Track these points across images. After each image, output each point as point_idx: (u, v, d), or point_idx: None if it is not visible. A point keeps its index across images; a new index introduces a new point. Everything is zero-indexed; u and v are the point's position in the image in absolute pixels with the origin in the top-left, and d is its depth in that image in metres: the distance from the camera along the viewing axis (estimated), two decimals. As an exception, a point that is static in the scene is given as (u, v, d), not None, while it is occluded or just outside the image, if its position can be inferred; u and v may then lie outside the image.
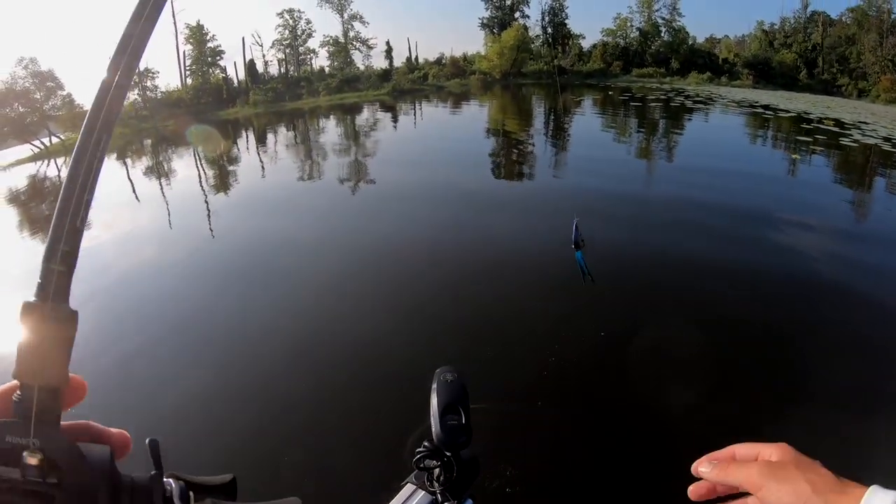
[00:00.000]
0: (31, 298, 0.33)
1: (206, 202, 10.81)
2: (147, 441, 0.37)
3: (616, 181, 10.17)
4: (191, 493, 0.39)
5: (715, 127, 19.06)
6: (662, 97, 26.48)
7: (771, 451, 0.59)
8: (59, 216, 0.33)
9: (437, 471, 0.94)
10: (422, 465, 0.94)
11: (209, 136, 23.90)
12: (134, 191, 12.92)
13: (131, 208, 10.84)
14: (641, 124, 18.50)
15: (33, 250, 7.60)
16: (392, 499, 0.94)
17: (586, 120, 20.00)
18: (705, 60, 39.46)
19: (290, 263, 6.20)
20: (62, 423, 0.34)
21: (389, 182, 11.04)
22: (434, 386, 0.95)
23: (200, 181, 13.53)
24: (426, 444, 0.93)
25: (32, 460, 0.29)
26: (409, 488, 0.96)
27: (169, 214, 10.19)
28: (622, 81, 35.58)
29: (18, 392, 0.33)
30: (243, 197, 11.22)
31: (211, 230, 8.55)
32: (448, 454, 0.92)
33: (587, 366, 3.83)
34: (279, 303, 5.15)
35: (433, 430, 0.90)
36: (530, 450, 2.91)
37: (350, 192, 10.74)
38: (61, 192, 0.33)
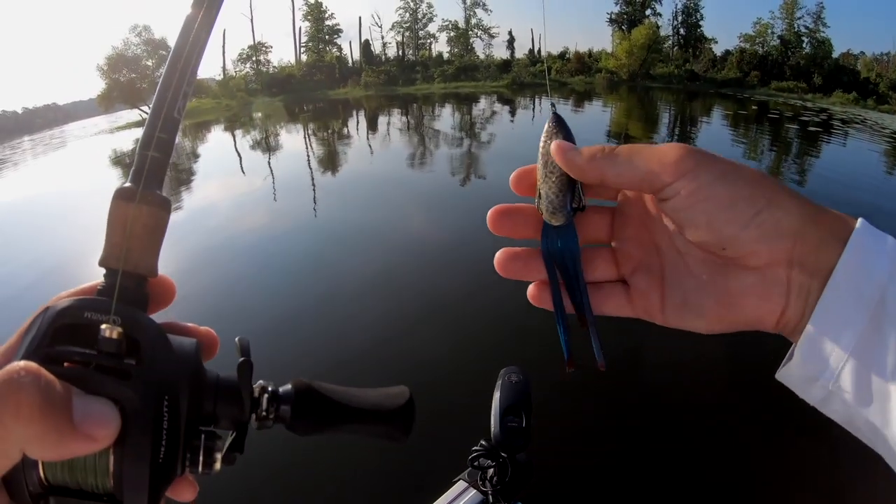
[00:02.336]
0: (126, 184, 0.30)
1: (313, 181, 10.03)
2: (237, 339, 0.34)
3: None
4: (280, 388, 0.35)
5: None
6: (818, 120, 20.26)
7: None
8: (157, 104, 0.31)
9: (490, 471, 0.95)
10: (476, 464, 0.95)
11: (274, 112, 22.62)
12: (241, 162, 12.45)
13: (233, 179, 10.56)
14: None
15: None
16: (444, 493, 0.96)
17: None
18: (850, 78, 33.67)
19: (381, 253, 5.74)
20: None
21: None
22: (498, 385, 0.96)
23: (308, 158, 12.46)
24: (483, 443, 0.94)
25: (111, 333, 0.27)
26: (461, 485, 0.98)
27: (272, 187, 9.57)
28: (760, 94, 30.80)
29: (103, 280, 0.31)
30: (344, 181, 10.39)
31: (314, 208, 8.09)
32: (504, 455, 0.93)
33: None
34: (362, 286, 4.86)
35: (492, 429, 0.91)
36: (589, 460, 2.66)
37: (458, 185, 9.36)
38: (160, 81, 0.32)
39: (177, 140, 0.32)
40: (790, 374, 0.33)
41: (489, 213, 0.36)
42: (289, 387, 0.35)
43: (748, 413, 2.99)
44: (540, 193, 0.35)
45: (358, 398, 0.36)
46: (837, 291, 0.30)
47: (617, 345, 3.41)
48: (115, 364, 0.27)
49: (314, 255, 5.79)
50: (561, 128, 0.35)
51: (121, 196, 0.30)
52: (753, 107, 23.05)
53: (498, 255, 0.37)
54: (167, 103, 0.32)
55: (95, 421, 0.25)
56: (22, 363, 0.23)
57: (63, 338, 0.27)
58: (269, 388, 0.34)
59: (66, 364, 0.27)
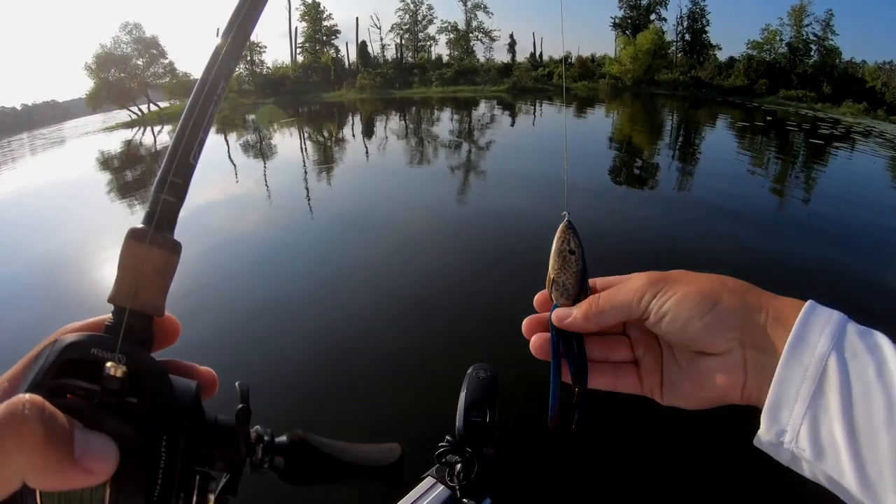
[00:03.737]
0: (139, 225, 0.32)
1: (306, 186, 9.91)
2: (237, 384, 0.36)
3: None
4: (276, 438, 0.38)
5: None
6: (837, 133, 19.82)
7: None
8: (173, 149, 0.33)
9: (458, 466, 0.96)
10: (443, 460, 0.96)
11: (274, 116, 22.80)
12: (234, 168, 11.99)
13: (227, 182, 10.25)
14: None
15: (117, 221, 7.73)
16: (410, 490, 0.98)
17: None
18: (858, 88, 33.78)
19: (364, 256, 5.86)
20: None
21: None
22: (465, 381, 0.98)
23: (303, 162, 12.10)
24: (448, 438, 0.96)
25: (115, 371, 0.28)
26: (428, 481, 0.99)
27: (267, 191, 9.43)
28: (769, 103, 30.79)
29: (111, 316, 0.32)
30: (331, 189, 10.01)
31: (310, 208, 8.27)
32: (469, 450, 0.95)
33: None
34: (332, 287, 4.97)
35: (457, 424, 0.93)
36: (559, 455, 2.74)
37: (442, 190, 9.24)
38: (178, 126, 0.34)
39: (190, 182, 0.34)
40: (760, 441, 0.40)
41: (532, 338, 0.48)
42: (284, 438, 0.37)
43: (721, 412, 2.92)
44: (554, 280, 0.46)
45: (350, 454, 0.39)
46: (787, 367, 0.38)
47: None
48: (118, 401, 0.28)
49: (291, 256, 5.84)
50: (573, 234, 0.46)
51: (133, 237, 0.32)
52: (767, 118, 22.77)
53: (533, 341, 0.47)
54: (183, 148, 0.34)
55: (95, 456, 0.26)
56: (27, 396, 0.24)
57: (68, 372, 0.28)
58: (265, 438, 0.36)
59: (69, 397, 0.28)
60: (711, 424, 2.71)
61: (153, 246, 0.32)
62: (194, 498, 0.32)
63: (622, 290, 0.44)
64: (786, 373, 0.38)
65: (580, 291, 0.46)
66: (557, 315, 0.46)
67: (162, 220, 0.33)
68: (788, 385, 0.38)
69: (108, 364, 0.28)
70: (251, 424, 0.36)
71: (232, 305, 4.56)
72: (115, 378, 0.28)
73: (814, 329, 0.38)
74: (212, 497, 0.32)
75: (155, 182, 0.33)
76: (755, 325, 0.40)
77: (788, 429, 0.37)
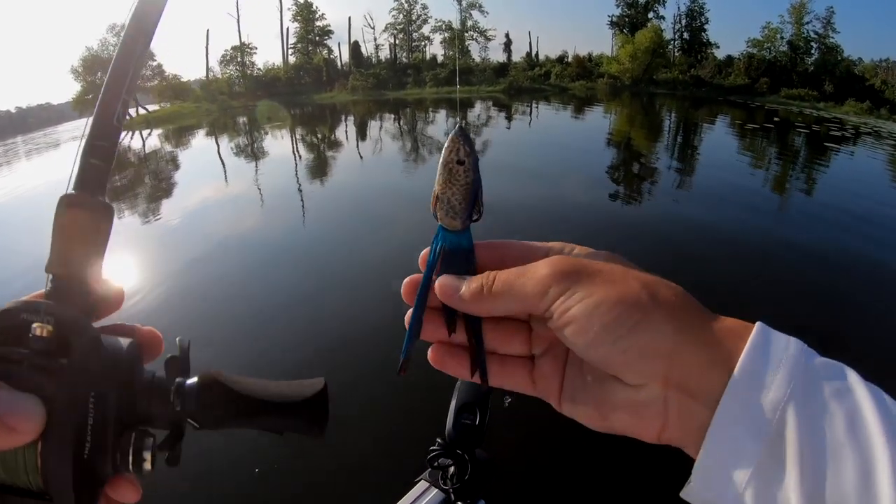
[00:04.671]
0: (70, 191, 0.33)
1: (300, 191, 9.72)
2: (178, 340, 0.35)
3: None
4: (187, 381, 0.35)
5: None
6: (849, 134, 19.75)
7: (563, 248, 0.39)
8: (99, 113, 0.33)
9: (451, 469, 0.97)
10: (436, 464, 0.98)
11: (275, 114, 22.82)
12: (224, 171, 12.09)
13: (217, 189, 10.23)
14: None
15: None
16: (405, 494, 0.98)
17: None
18: (861, 86, 33.90)
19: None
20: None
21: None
22: (458, 383, 0.99)
23: (295, 167, 12.01)
24: (439, 441, 0.98)
25: (41, 332, 0.28)
26: (422, 485, 1.00)
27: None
28: (771, 102, 30.92)
29: (47, 285, 0.32)
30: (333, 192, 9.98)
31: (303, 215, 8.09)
32: (461, 453, 0.96)
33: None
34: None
35: (447, 427, 0.95)
36: (553, 458, 2.77)
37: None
38: (102, 91, 0.34)
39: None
40: (692, 497, 0.33)
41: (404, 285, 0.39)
42: (195, 379, 0.35)
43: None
44: (439, 197, 0.38)
45: (267, 391, 0.37)
46: (727, 420, 0.30)
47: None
48: (45, 362, 0.29)
49: (285, 258, 5.88)
50: (464, 143, 0.38)
51: (64, 203, 0.32)
52: (775, 118, 22.42)
53: (406, 284, 0.39)
54: (107, 110, 0.34)
55: (18, 414, 0.26)
56: None
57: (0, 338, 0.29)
58: (176, 381, 0.35)
59: None
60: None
61: (82, 210, 0.32)
62: (130, 456, 0.31)
63: (524, 276, 0.35)
64: (724, 428, 0.30)
65: (470, 211, 0.38)
66: (443, 285, 0.37)
67: (90, 183, 0.33)
68: (728, 444, 0.30)
69: (35, 325, 0.29)
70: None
71: (232, 304, 4.60)
72: (41, 338, 0.29)
73: (765, 366, 0.30)
74: (148, 455, 0.32)
75: (82, 146, 0.33)
76: (686, 360, 0.31)
77: (729, 495, 0.30)
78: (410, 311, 0.38)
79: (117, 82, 0.34)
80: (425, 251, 0.39)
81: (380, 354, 3.60)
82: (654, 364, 0.31)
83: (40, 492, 0.29)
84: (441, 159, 0.38)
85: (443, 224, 0.39)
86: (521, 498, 2.50)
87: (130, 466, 0.31)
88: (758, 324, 0.32)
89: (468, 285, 0.36)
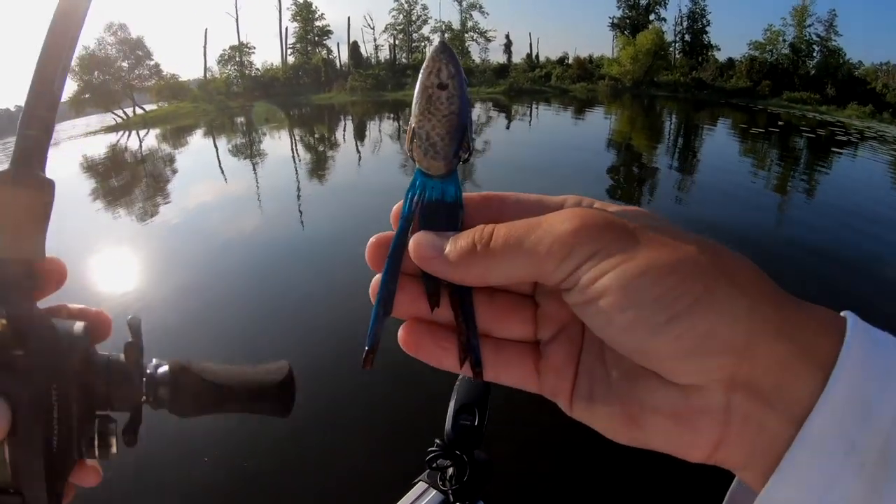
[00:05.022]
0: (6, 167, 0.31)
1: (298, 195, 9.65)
2: (128, 320, 0.34)
3: None
4: (158, 369, 0.35)
5: None
6: (854, 139, 19.34)
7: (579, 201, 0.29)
8: (36, 81, 0.31)
9: (450, 470, 0.98)
10: (434, 465, 0.98)
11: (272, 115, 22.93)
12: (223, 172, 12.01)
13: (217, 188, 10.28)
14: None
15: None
16: (403, 495, 0.99)
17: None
18: (863, 90, 33.90)
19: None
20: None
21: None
22: (457, 384, 1.00)
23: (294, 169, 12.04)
24: (438, 442, 0.98)
25: None
26: (420, 486, 1.01)
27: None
28: (773, 105, 30.95)
29: None
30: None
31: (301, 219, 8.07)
32: (460, 454, 0.96)
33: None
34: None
35: (445, 428, 0.96)
36: (553, 457, 2.79)
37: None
38: (38, 58, 0.31)
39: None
40: None
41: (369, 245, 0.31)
42: (166, 368, 0.35)
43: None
44: (416, 132, 0.30)
45: (235, 377, 0.37)
46: (815, 442, 0.22)
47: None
48: (2, 357, 0.28)
49: (282, 256, 5.92)
50: (447, 62, 0.29)
51: (5, 181, 0.30)
52: (779, 122, 22.00)
53: (371, 245, 0.31)
54: (44, 77, 0.31)
55: None
56: None
57: None
58: (147, 371, 0.34)
59: None
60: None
61: (21, 187, 0.30)
62: (96, 442, 0.31)
63: (536, 230, 0.26)
64: (810, 455, 0.22)
65: (456, 148, 0.29)
66: (420, 244, 0.28)
67: (28, 157, 0.31)
68: (811, 476, 0.22)
69: None
70: (149, 358, 0.35)
71: (226, 302, 4.62)
72: None
73: (870, 372, 0.22)
74: (113, 440, 0.32)
75: (20, 118, 0.31)
76: (761, 354, 0.23)
77: None
78: (376, 279, 0.30)
79: (57, 42, 0.31)
80: (398, 204, 0.30)
81: (378, 354, 3.60)
82: (720, 358, 0.23)
83: (6, 486, 0.28)
84: (418, 84, 0.30)
85: (421, 167, 0.30)
86: (520, 500, 2.49)
87: (96, 452, 0.31)
88: (849, 314, 0.24)
89: (455, 243, 0.27)
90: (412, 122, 0.30)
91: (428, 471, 1.02)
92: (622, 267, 0.24)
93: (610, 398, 0.27)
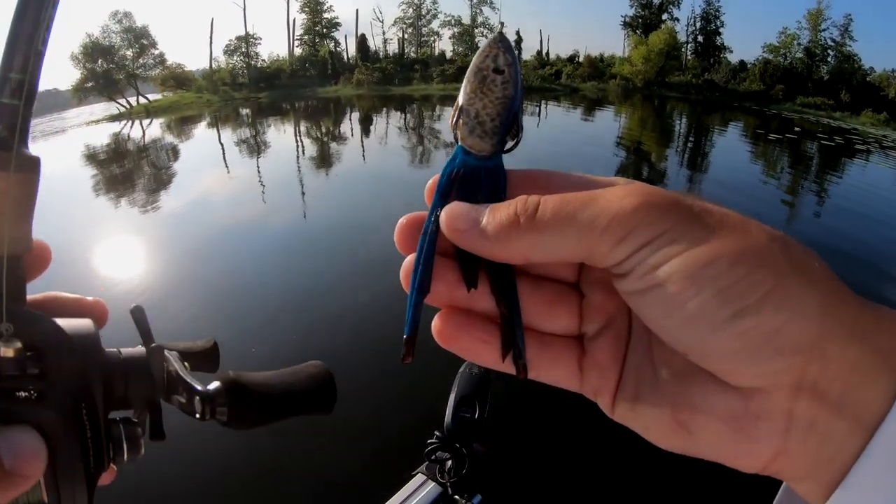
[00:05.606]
0: None
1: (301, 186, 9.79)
2: (131, 309, 0.33)
3: None
4: (186, 364, 0.34)
5: None
6: (874, 148, 18.88)
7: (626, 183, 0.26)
8: (14, 36, 0.26)
9: (448, 463, 0.99)
10: (433, 457, 0.99)
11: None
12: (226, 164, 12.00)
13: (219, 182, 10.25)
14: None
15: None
16: (401, 487, 1.00)
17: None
18: (877, 97, 33.56)
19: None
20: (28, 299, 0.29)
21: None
22: (458, 377, 1.02)
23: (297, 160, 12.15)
24: (438, 434, 0.99)
25: (8, 351, 0.25)
26: (419, 478, 1.02)
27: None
28: (787, 110, 30.72)
29: None
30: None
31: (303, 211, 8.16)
32: (459, 447, 0.97)
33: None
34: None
35: (445, 420, 0.97)
36: (553, 450, 2.83)
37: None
38: (16, 6, 0.26)
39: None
40: None
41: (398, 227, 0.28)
42: (218, 385, 0.33)
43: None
44: (464, 109, 0.28)
45: (282, 388, 0.37)
46: (887, 451, 0.21)
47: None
48: (21, 383, 0.26)
49: (290, 251, 5.98)
50: (507, 49, 0.28)
51: None
52: (796, 129, 21.52)
53: (401, 225, 0.28)
54: (25, 33, 0.26)
55: (26, 459, 0.24)
56: None
57: None
58: (199, 389, 0.32)
59: None
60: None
61: (10, 172, 0.26)
62: (125, 447, 0.30)
63: (591, 204, 0.23)
64: (883, 468, 0.21)
65: (505, 132, 0.28)
66: (453, 214, 0.26)
67: (12, 133, 0.26)
68: (884, 492, 0.21)
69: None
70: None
71: (226, 290, 4.70)
72: (10, 361, 0.25)
73: None
74: (142, 442, 0.31)
75: None
76: (832, 356, 0.21)
77: None
78: (408, 261, 0.27)
79: None
80: (434, 179, 0.28)
81: (377, 345, 3.70)
82: (788, 359, 0.21)
83: None
84: (471, 67, 0.29)
85: (464, 145, 0.29)
86: (519, 493, 2.51)
87: (125, 457, 0.30)
88: None
89: (494, 214, 0.25)
90: (460, 100, 0.29)
91: (427, 463, 1.03)
92: (689, 253, 0.22)
93: (657, 400, 0.25)
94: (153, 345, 0.32)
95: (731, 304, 0.21)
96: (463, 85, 0.29)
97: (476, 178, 0.28)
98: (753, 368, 0.21)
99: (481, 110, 0.28)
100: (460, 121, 0.28)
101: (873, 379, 0.21)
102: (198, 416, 0.32)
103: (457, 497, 0.98)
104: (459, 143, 0.29)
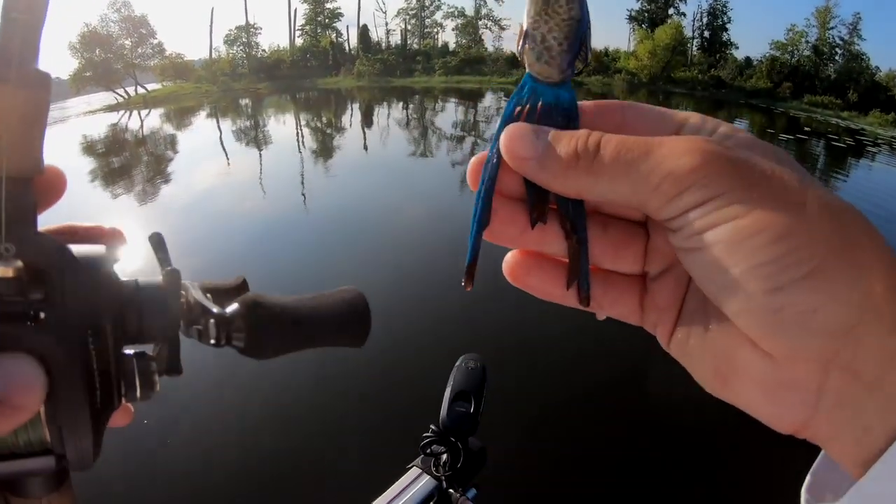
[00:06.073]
0: None
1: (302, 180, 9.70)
2: (149, 236, 0.31)
3: None
4: (208, 295, 0.32)
5: None
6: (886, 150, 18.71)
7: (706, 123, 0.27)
8: None
9: (444, 457, 1.00)
10: (428, 451, 1.01)
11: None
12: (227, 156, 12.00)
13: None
14: None
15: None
16: (396, 480, 1.01)
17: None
18: (885, 97, 33.32)
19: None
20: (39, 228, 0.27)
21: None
22: (454, 371, 1.04)
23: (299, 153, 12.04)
24: (433, 428, 1.01)
25: (7, 271, 0.24)
26: (414, 471, 1.03)
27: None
28: (794, 108, 30.61)
29: None
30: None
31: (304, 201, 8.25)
32: (454, 441, 0.99)
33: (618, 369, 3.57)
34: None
35: (441, 414, 0.99)
36: (547, 446, 2.86)
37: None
38: None
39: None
40: None
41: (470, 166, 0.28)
42: (237, 306, 0.32)
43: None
44: (529, 33, 0.27)
45: (313, 310, 0.34)
46: None
47: (576, 332, 3.78)
48: (22, 308, 0.25)
49: (283, 244, 5.98)
50: None
51: None
52: (806, 128, 21.37)
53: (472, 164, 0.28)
54: None
55: (21, 387, 0.23)
56: None
57: None
58: (214, 311, 0.31)
59: None
60: (726, 414, 2.74)
61: (16, 87, 0.25)
62: (137, 383, 0.28)
63: (654, 153, 0.23)
64: None
65: (573, 56, 0.27)
66: (511, 138, 0.26)
67: (16, 47, 0.25)
68: None
69: None
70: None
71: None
72: (10, 280, 0.24)
73: None
74: (156, 378, 0.29)
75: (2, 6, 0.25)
76: (871, 344, 0.21)
77: None
78: (474, 161, 0.28)
79: None
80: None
81: (375, 336, 3.66)
82: (819, 339, 0.21)
83: (41, 448, 0.26)
84: None
85: (532, 72, 0.28)
86: (514, 488, 2.52)
87: (138, 393, 0.28)
88: None
89: (555, 147, 0.25)
90: (524, 23, 0.28)
91: (422, 456, 1.04)
92: (736, 222, 0.22)
93: (704, 347, 0.26)
94: (168, 268, 0.30)
95: (769, 279, 0.21)
96: (526, 7, 0.28)
97: (546, 106, 0.28)
98: (785, 342, 0.22)
99: (547, 34, 0.27)
100: (526, 46, 0.27)
101: None
102: (213, 342, 0.31)
103: (451, 491, 1.00)
104: (527, 71, 0.28)
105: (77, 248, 0.27)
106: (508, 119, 0.28)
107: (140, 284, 0.30)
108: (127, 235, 0.33)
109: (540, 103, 0.28)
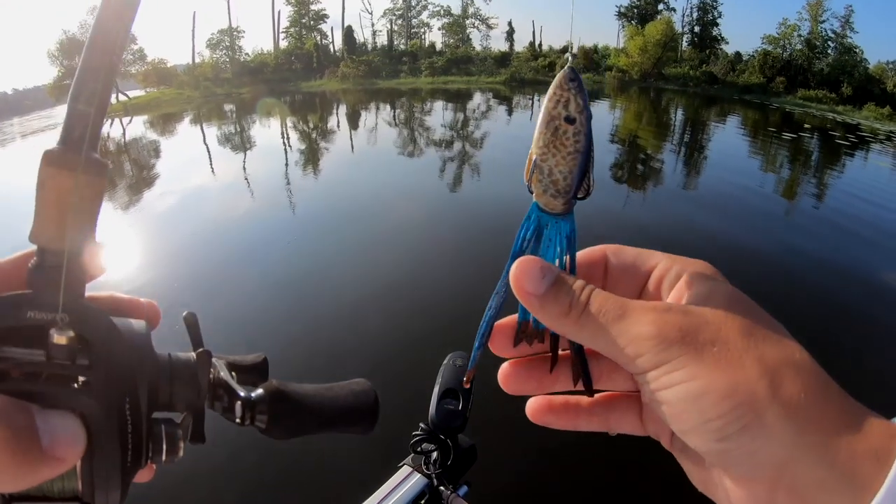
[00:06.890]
0: (54, 146, 0.28)
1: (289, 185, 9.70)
2: (183, 315, 0.34)
3: None
4: (233, 374, 0.36)
5: None
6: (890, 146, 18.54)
7: (684, 269, 0.33)
8: (91, 49, 0.28)
9: (434, 455, 1.02)
10: (419, 449, 1.03)
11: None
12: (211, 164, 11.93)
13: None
14: None
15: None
16: (388, 479, 1.02)
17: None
18: (879, 90, 33.57)
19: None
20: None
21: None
22: (442, 369, 1.05)
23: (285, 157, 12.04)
24: (422, 425, 1.02)
25: (61, 339, 0.27)
26: (405, 470, 1.04)
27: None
28: (788, 103, 30.76)
29: (35, 259, 0.29)
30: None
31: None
32: (444, 438, 1.01)
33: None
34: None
35: (429, 412, 1.00)
36: (537, 442, 2.66)
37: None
38: (94, 21, 0.29)
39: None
40: None
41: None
42: (262, 392, 0.36)
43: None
44: (538, 165, 0.30)
45: (329, 400, 0.39)
46: None
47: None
48: (70, 371, 0.27)
49: (275, 244, 5.99)
50: (577, 91, 0.29)
51: (56, 163, 0.28)
52: (806, 125, 21.12)
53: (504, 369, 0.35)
54: (101, 42, 0.29)
55: (64, 441, 0.25)
56: None
57: (1, 340, 0.27)
58: (241, 394, 0.35)
59: (13, 374, 0.26)
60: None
61: (78, 174, 0.28)
62: (164, 447, 0.31)
63: (621, 322, 0.29)
64: None
65: (577, 187, 0.30)
66: (521, 272, 0.30)
67: (77, 135, 0.28)
68: None
69: (53, 331, 0.27)
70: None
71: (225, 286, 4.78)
72: (62, 347, 0.27)
73: None
74: (181, 444, 0.32)
75: (71, 90, 0.29)
76: (801, 474, 0.26)
77: None
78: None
79: (120, 11, 0.29)
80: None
81: (364, 338, 3.82)
82: (762, 471, 0.27)
83: (75, 497, 0.28)
84: (542, 112, 0.30)
85: (538, 202, 0.31)
86: (504, 485, 2.56)
87: (164, 456, 0.31)
88: None
89: (553, 293, 0.30)
90: (534, 151, 0.30)
91: (412, 455, 1.05)
92: (685, 386, 0.27)
93: (689, 459, 0.32)
94: (201, 349, 0.34)
95: (717, 431, 0.27)
96: (536, 132, 0.30)
97: (549, 235, 0.32)
98: (734, 471, 0.28)
99: (554, 167, 0.30)
100: (534, 176, 0.31)
101: (839, 493, 0.25)
102: (237, 420, 0.34)
103: (442, 488, 1.01)
104: (534, 200, 0.31)
105: (120, 321, 0.30)
106: (518, 252, 0.31)
107: (172, 358, 0.33)
108: (161, 310, 0.36)
109: (544, 233, 0.32)
